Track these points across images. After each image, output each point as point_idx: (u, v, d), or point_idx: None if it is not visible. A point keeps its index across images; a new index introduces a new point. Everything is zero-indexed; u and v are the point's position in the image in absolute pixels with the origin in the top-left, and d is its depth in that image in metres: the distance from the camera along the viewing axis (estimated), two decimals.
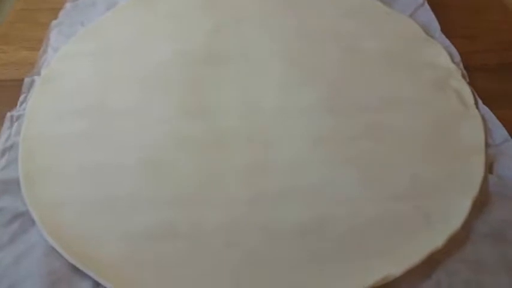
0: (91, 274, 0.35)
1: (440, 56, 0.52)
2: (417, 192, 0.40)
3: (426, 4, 0.59)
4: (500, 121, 0.46)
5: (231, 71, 0.51)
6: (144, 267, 0.36)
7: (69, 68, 0.52)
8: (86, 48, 0.54)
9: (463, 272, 0.36)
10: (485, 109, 0.47)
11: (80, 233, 0.38)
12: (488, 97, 0.48)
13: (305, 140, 0.44)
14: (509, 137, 0.45)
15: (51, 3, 0.61)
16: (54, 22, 0.58)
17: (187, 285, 0.35)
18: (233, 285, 0.35)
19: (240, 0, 0.59)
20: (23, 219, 0.39)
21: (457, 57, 0.53)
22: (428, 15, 0.58)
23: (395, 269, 0.35)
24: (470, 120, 0.46)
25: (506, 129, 0.45)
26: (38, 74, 0.51)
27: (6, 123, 0.46)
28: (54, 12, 0.60)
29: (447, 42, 0.54)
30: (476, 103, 0.48)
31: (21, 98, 0.49)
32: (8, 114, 0.47)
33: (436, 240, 0.37)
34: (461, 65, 0.52)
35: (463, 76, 0.50)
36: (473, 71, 0.51)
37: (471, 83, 0.50)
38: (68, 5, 0.60)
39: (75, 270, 0.36)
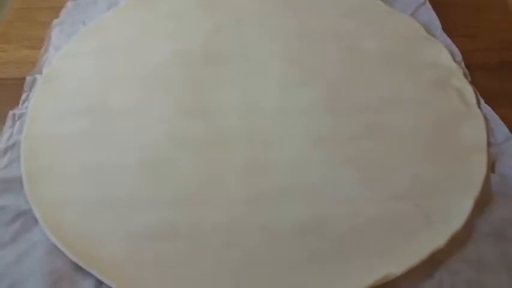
0: (93, 273, 0.35)
1: (442, 55, 0.52)
2: (417, 192, 0.40)
3: (427, 3, 0.59)
4: (502, 120, 0.46)
5: (231, 70, 0.51)
6: (145, 266, 0.36)
7: (71, 67, 0.52)
8: (88, 47, 0.54)
9: (465, 271, 0.36)
10: (487, 108, 0.47)
11: (82, 232, 0.38)
12: (489, 96, 0.48)
13: (305, 140, 0.44)
14: (511, 136, 0.45)
15: (50, 2, 0.61)
16: (55, 21, 0.58)
17: (187, 284, 0.35)
18: (233, 284, 0.35)
19: (239, 0, 0.59)
20: (25, 217, 0.39)
21: (459, 56, 0.52)
22: (429, 14, 0.57)
23: (396, 268, 0.35)
24: (472, 120, 0.46)
25: (507, 128, 0.45)
26: (40, 72, 0.52)
27: (8, 122, 0.47)
28: (53, 10, 0.59)
29: (448, 41, 0.54)
30: (478, 102, 0.48)
31: (23, 97, 0.49)
32: (10, 112, 0.47)
33: (437, 239, 0.37)
34: (462, 64, 0.52)
35: (465, 75, 0.50)
36: (474, 70, 0.51)
37: (473, 82, 0.50)
38: (69, 4, 0.60)
39: (77, 268, 0.36)
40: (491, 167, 0.43)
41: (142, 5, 0.59)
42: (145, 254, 0.37)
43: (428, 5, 0.59)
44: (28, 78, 0.50)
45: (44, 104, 0.48)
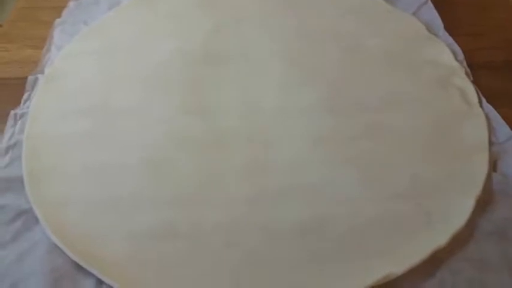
0: (95, 272, 0.36)
1: (443, 54, 0.52)
2: (418, 191, 0.40)
3: (429, 2, 0.59)
4: (503, 119, 0.46)
5: (232, 70, 0.51)
6: (146, 266, 0.36)
7: (73, 67, 0.52)
8: (89, 47, 0.54)
9: (466, 270, 0.36)
10: (489, 107, 0.47)
11: (84, 231, 0.38)
12: (491, 95, 0.48)
13: (305, 140, 0.44)
14: None
15: (52, 2, 0.61)
16: (57, 21, 0.58)
17: (188, 284, 0.35)
18: (233, 284, 0.35)
19: (240, 0, 0.59)
20: (26, 217, 0.39)
21: (461, 55, 0.52)
22: (431, 13, 0.57)
23: (397, 268, 0.35)
24: (473, 119, 0.46)
25: (510, 127, 0.45)
26: (42, 72, 0.52)
27: (10, 121, 0.47)
28: (56, 10, 0.60)
29: (450, 40, 0.54)
30: (480, 101, 0.47)
31: (25, 96, 0.49)
32: (12, 112, 0.47)
33: (439, 239, 0.37)
34: (464, 63, 0.51)
35: (467, 74, 0.50)
36: (477, 69, 0.51)
37: (475, 81, 0.49)
38: (71, 4, 0.60)
39: (78, 268, 0.36)
40: (493, 166, 0.43)
41: (144, 5, 0.59)
42: (146, 254, 0.37)
43: (430, 4, 0.59)
44: (30, 78, 0.51)
45: (46, 104, 0.48)
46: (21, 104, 0.49)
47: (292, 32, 0.55)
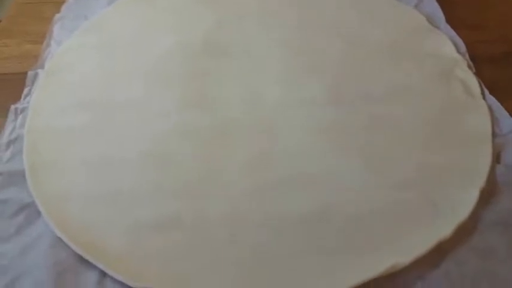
0: (99, 265, 0.35)
1: (445, 47, 0.52)
2: (424, 181, 0.40)
3: None
4: (506, 111, 0.46)
5: (233, 63, 0.51)
6: (149, 258, 0.36)
7: (73, 61, 0.52)
8: (89, 41, 0.54)
9: (471, 261, 0.36)
10: (492, 99, 0.47)
11: (86, 224, 0.38)
12: (494, 88, 0.48)
13: (308, 131, 0.44)
14: None
15: None
16: (57, 16, 0.58)
17: (191, 276, 0.35)
18: (238, 276, 0.35)
19: None
20: (29, 210, 0.39)
21: (463, 48, 0.52)
22: (433, 5, 0.57)
23: (403, 258, 0.35)
24: (476, 110, 0.46)
25: None
26: (42, 67, 0.52)
27: (11, 116, 0.46)
28: (56, 6, 0.60)
29: (452, 32, 0.54)
30: (482, 93, 0.47)
31: (25, 91, 0.49)
32: (12, 106, 0.47)
33: (444, 229, 0.37)
34: (467, 56, 0.51)
35: (469, 66, 0.50)
36: (479, 62, 0.51)
37: (477, 74, 0.49)
38: None
39: (81, 261, 0.36)
40: (497, 157, 0.43)
41: (144, 0, 0.59)
42: (149, 247, 0.37)
43: None
44: (30, 73, 0.50)
45: (46, 98, 0.48)
46: (22, 98, 0.48)
47: (293, 25, 0.55)
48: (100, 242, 0.37)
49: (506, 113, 0.46)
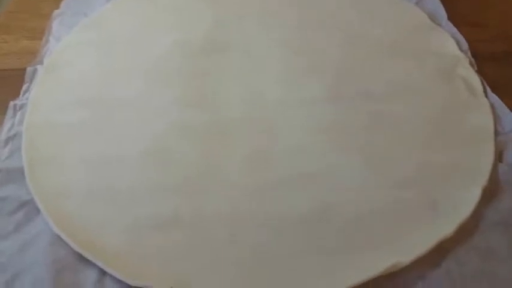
0: (98, 263, 0.35)
1: (447, 44, 0.52)
2: (425, 180, 0.40)
3: None
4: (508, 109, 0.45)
5: (233, 62, 0.50)
6: (148, 256, 0.36)
7: (72, 58, 0.51)
8: (88, 38, 0.54)
9: (472, 260, 0.35)
10: (494, 97, 0.47)
11: (85, 222, 0.38)
12: (496, 86, 0.48)
13: (309, 130, 0.44)
14: None
15: None
16: (56, 12, 0.58)
17: (190, 275, 0.35)
18: (237, 275, 0.35)
19: None
20: (28, 208, 0.39)
21: (465, 45, 0.52)
22: (434, 3, 0.57)
23: (404, 257, 0.35)
24: (479, 109, 0.45)
25: None
26: (41, 63, 0.51)
27: (9, 112, 0.46)
28: (55, 2, 0.59)
29: (454, 30, 0.54)
30: (485, 91, 0.47)
31: (24, 87, 0.49)
32: (11, 103, 0.47)
33: (445, 228, 0.36)
34: (469, 53, 0.51)
35: (471, 64, 0.50)
36: (481, 60, 0.51)
37: (479, 72, 0.49)
38: None
39: (80, 258, 0.36)
40: (499, 156, 0.42)
41: None
42: (148, 244, 0.36)
43: None
44: (29, 69, 0.50)
45: (45, 95, 0.47)
46: (21, 95, 0.48)
47: (293, 25, 0.55)
48: (99, 240, 0.36)
49: (508, 111, 0.45)
